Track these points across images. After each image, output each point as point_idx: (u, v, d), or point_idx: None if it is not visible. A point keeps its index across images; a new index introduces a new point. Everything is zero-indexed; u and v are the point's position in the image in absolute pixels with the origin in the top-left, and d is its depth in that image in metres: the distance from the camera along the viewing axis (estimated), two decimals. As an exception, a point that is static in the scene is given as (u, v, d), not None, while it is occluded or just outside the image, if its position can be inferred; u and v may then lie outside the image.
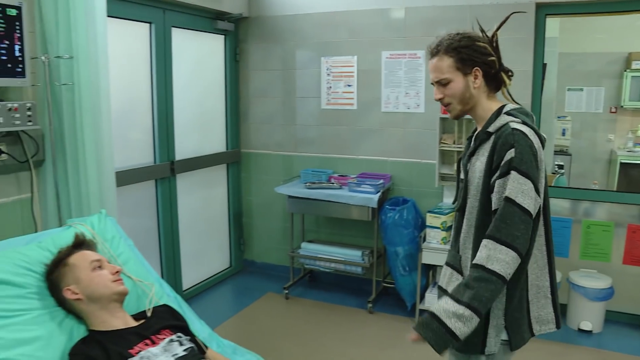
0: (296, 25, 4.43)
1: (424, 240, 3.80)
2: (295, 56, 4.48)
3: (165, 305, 2.04)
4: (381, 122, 4.26)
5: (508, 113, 1.74)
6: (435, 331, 1.65)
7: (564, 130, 5.65)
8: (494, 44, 1.80)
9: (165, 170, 3.91)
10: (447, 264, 1.94)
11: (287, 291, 4.32)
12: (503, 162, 1.65)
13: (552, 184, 4.27)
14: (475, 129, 1.87)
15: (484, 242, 1.65)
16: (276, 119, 4.65)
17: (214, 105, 4.52)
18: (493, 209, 1.68)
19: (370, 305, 4.05)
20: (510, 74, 1.83)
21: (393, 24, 4.11)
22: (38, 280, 1.84)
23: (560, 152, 5.48)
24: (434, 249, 3.73)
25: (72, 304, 1.80)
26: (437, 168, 3.94)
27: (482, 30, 1.81)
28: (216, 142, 4.58)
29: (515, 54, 3.77)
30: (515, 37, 3.75)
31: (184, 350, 1.80)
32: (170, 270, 4.02)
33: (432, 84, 1.83)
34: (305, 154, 4.56)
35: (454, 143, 3.89)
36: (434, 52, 1.79)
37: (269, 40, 4.55)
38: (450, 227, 3.79)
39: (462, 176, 1.90)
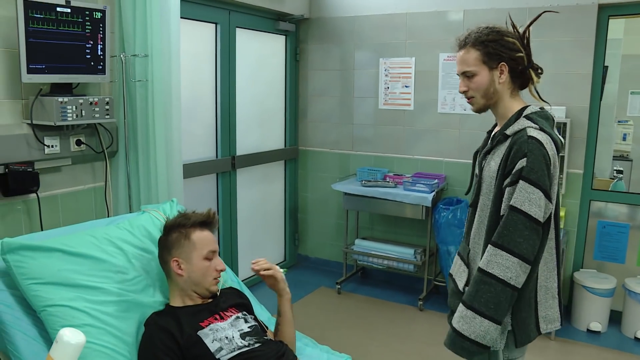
0: (355, 27, 4.56)
1: (477, 240, 3.84)
2: (354, 57, 4.61)
3: (231, 287, 2.21)
4: (437, 122, 4.33)
5: (528, 117, 1.76)
6: (450, 336, 1.82)
7: (625, 135, 5.54)
8: (525, 41, 1.81)
9: (227, 165, 4.11)
10: (458, 253, 2.03)
11: (339, 286, 4.45)
12: (514, 171, 1.69)
13: (609, 189, 4.22)
14: (495, 124, 1.91)
15: (488, 247, 1.74)
16: (334, 117, 4.79)
17: (274, 103, 4.70)
18: (501, 214, 1.74)
19: (420, 302, 4.14)
20: (539, 71, 1.83)
21: (451, 26, 4.17)
22: (118, 256, 2.02)
23: (620, 157, 5.38)
24: (487, 249, 3.77)
25: (171, 272, 1.96)
26: (492, 169, 3.97)
27: (514, 26, 1.82)
28: (275, 139, 4.76)
29: (575, 56, 3.79)
30: (576, 38, 3.76)
31: (249, 327, 1.96)
32: (228, 262, 4.21)
33: (457, 75, 1.86)
34: (362, 152, 4.68)
35: (509, 145, 3.91)
36: (462, 45, 1.82)
37: (328, 41, 4.70)
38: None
39: (477, 171, 1.95)
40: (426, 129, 4.38)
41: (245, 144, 4.31)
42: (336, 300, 4.35)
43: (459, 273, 1.97)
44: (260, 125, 4.55)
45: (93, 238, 2.03)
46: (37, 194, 2.67)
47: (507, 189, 1.72)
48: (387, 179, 4.34)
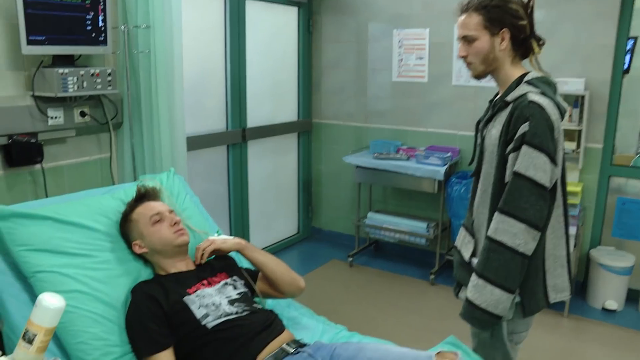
0: (369, -3, 4.49)
1: (489, 215, 3.80)
2: (368, 28, 4.54)
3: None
4: (452, 95, 4.26)
5: (529, 82, 1.74)
6: (464, 306, 1.84)
7: (657, 109, 5.35)
8: (529, 10, 1.78)
9: (237, 137, 4.13)
10: (463, 225, 2.03)
11: (351, 259, 4.47)
12: (517, 136, 1.68)
13: (631, 164, 4.11)
14: (498, 93, 1.88)
15: (495, 214, 1.73)
16: (348, 90, 4.75)
17: (286, 76, 4.68)
18: (506, 181, 1.72)
19: (432, 276, 4.13)
20: (541, 42, 1.81)
21: (467, -6, 4.07)
22: (110, 226, 2.06)
23: (652, 133, 5.20)
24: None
25: (141, 254, 2.03)
26: (507, 143, 3.89)
27: None
28: (288, 112, 4.75)
29: (597, 27, 3.66)
30: (599, 8, 3.63)
31: (237, 294, 1.98)
32: (239, 233, 4.26)
33: (457, 40, 1.85)
34: (376, 125, 4.65)
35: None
36: (464, 9, 1.80)
37: (342, 13, 4.64)
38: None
39: (478, 140, 1.94)
40: (440, 102, 4.32)
41: (256, 117, 4.32)
42: (348, 273, 4.37)
43: (464, 244, 1.97)
44: (273, 97, 4.54)
45: (86, 207, 2.07)
46: (41, 165, 2.74)
47: (511, 155, 1.70)
48: (400, 152, 4.31)
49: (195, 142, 3.67)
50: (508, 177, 1.71)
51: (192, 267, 2.06)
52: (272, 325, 1.95)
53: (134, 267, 2.03)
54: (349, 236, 4.89)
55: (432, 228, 4.23)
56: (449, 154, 4.05)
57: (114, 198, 2.20)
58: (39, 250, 1.85)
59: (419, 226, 4.24)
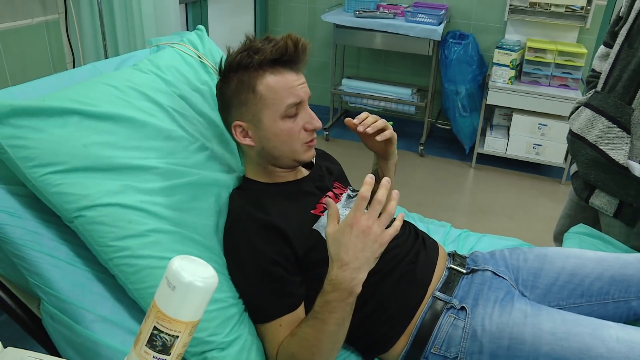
0: None
1: (489, 79, 3.27)
2: None
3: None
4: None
5: None
6: None
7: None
8: None
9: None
10: (592, 107, 1.47)
11: (327, 132, 3.79)
12: None
13: None
14: None
15: None
16: None
17: None
18: None
19: (421, 147, 3.59)
20: None
21: None
22: (160, 113, 1.21)
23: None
24: (500, 88, 3.21)
25: (238, 142, 1.20)
26: (509, -1, 3.27)
27: None
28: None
29: None
30: None
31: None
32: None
33: None
34: (344, -22, 3.77)
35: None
36: None
37: None
38: (519, 65, 3.25)
39: None
40: (426, -52, 3.53)
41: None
42: (324, 147, 3.65)
43: (607, 139, 1.41)
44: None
45: (115, 89, 1.18)
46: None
47: None
48: (381, 9, 3.53)
49: None
50: None
51: (303, 173, 1.30)
52: (425, 241, 1.30)
53: (212, 174, 1.22)
54: (315, 107, 4.14)
55: (417, 95, 3.63)
56: (442, 12, 3.36)
57: (145, 72, 1.31)
58: (75, 171, 0.99)
59: (403, 93, 3.61)
